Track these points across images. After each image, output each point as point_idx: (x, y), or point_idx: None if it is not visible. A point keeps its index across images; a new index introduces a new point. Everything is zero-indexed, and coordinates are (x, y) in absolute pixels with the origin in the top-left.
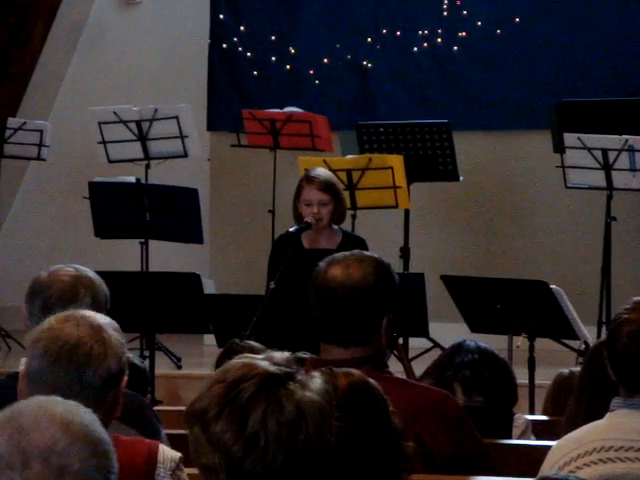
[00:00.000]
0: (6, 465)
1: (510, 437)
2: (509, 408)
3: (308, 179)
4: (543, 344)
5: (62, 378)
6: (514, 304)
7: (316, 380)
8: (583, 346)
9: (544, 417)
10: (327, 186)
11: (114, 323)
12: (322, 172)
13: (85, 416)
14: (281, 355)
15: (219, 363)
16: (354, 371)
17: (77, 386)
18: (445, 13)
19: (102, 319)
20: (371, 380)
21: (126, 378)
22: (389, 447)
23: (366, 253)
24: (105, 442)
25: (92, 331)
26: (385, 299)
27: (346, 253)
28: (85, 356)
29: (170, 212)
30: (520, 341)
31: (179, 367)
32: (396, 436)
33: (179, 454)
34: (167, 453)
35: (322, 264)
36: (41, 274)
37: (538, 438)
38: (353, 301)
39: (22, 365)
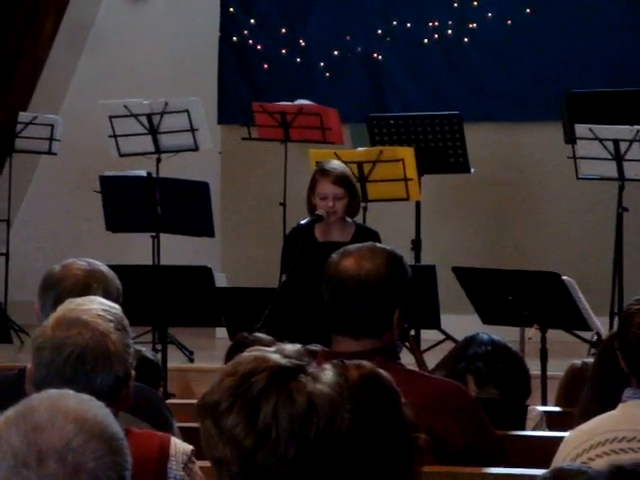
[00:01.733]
0: (22, 464)
1: (524, 429)
2: (523, 401)
3: (323, 172)
4: (555, 335)
5: (68, 388)
6: (526, 296)
7: (327, 372)
8: (595, 337)
9: (557, 408)
10: (342, 180)
11: (118, 316)
12: (337, 165)
13: (99, 411)
14: (292, 348)
15: (228, 356)
16: (365, 363)
17: (86, 393)
18: (455, 4)
19: (104, 324)
20: (383, 372)
21: (134, 373)
22: (401, 439)
23: (379, 245)
24: (119, 438)
25: (96, 340)
26: (397, 291)
27: (359, 245)
28: (91, 366)
29: (181, 205)
30: (532, 332)
31: (191, 360)
32: (408, 428)
33: (191, 447)
34: (179, 446)
35: (335, 256)
36: (54, 268)
37: (551, 429)
38: (365, 292)
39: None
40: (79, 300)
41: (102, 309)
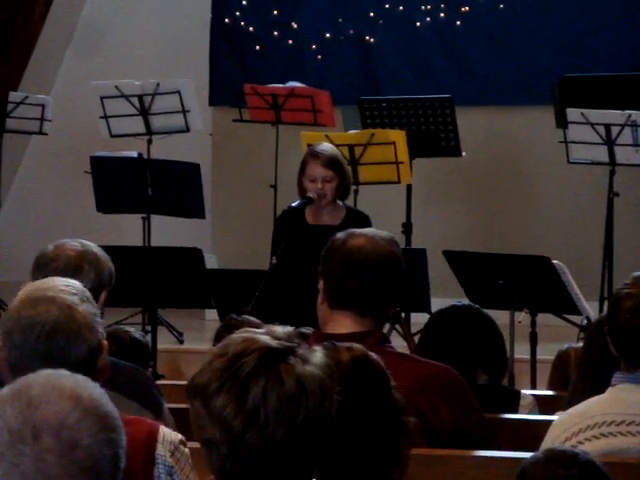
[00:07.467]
0: (17, 439)
1: (515, 411)
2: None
3: (313, 154)
4: (545, 319)
5: (45, 365)
6: (516, 279)
7: (317, 354)
8: (585, 321)
9: (546, 392)
10: (332, 162)
11: (80, 289)
12: (327, 147)
13: (94, 390)
14: (282, 330)
15: (217, 338)
16: (356, 345)
17: (62, 367)
18: None
19: (69, 297)
20: (372, 354)
21: (106, 343)
22: (390, 421)
23: (381, 231)
24: (114, 417)
25: (64, 313)
26: (403, 276)
27: (362, 229)
28: (63, 341)
29: (172, 187)
30: (522, 316)
31: (181, 342)
32: (397, 411)
33: (180, 436)
34: (167, 434)
35: (341, 235)
36: (47, 247)
37: (540, 412)
38: (378, 269)
39: None
40: (39, 281)
41: (64, 284)
